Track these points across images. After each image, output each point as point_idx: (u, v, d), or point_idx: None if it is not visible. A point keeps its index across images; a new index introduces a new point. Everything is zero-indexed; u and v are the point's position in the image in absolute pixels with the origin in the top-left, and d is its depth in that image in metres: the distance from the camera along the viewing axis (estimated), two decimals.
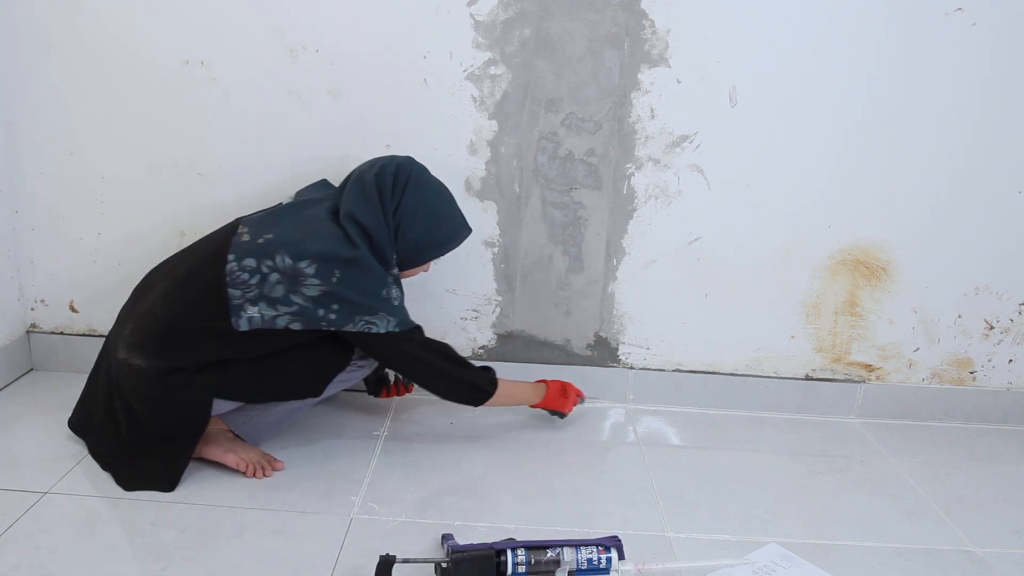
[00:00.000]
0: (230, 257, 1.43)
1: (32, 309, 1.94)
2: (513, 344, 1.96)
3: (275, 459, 1.58)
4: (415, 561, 1.24)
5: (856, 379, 2.01)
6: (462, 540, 1.31)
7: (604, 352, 1.98)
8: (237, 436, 1.57)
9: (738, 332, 1.96)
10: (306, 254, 1.42)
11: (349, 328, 1.45)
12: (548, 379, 1.81)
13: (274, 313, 1.42)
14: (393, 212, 1.52)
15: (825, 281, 1.92)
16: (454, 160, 1.81)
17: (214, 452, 1.54)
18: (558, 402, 1.78)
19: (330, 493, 1.50)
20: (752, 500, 1.59)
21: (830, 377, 2.00)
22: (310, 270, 1.42)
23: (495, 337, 1.96)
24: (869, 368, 2.00)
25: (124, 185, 1.83)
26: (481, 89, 1.77)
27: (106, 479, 1.49)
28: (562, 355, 1.97)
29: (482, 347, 1.97)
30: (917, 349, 1.98)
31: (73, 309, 1.94)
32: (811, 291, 1.93)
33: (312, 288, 1.42)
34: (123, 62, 1.75)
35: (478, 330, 1.95)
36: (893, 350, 1.98)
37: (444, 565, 1.21)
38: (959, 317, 1.95)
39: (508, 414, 1.90)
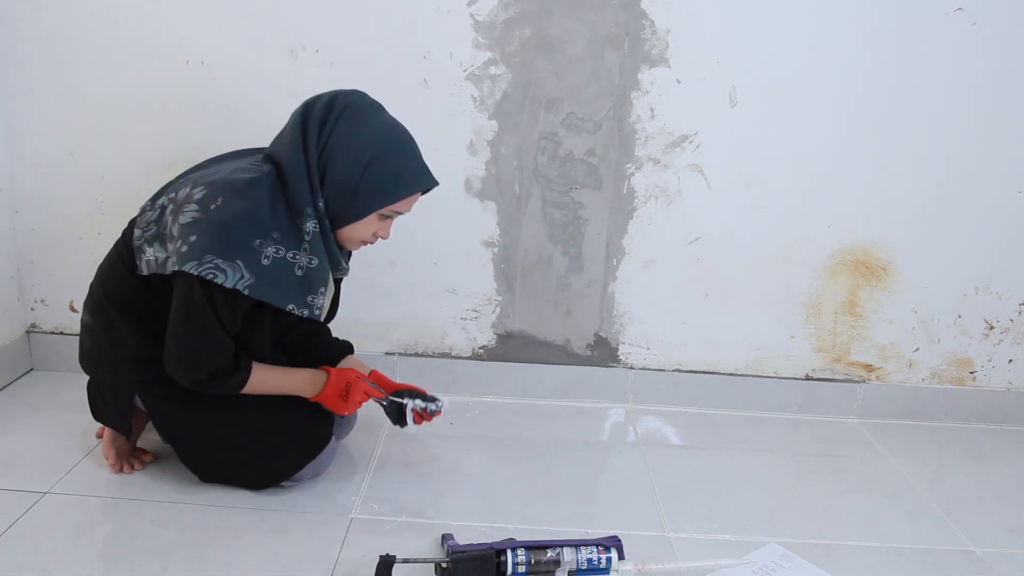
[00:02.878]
0: (148, 199, 1.35)
1: (32, 309, 1.94)
2: (513, 344, 1.96)
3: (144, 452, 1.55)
4: (415, 561, 1.24)
5: (856, 379, 2.01)
6: (462, 540, 1.31)
7: (604, 352, 1.98)
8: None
9: (738, 332, 1.96)
10: (204, 181, 1.26)
11: (191, 268, 1.18)
12: (337, 369, 1.45)
13: (164, 254, 1.26)
14: (320, 149, 1.24)
15: (825, 281, 1.92)
16: (454, 160, 1.81)
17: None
18: (333, 402, 1.43)
19: (330, 493, 1.50)
20: (752, 500, 1.59)
21: (830, 377, 2.00)
22: (198, 195, 1.23)
23: (495, 337, 1.96)
24: (869, 368, 2.00)
25: (124, 185, 1.83)
26: (481, 89, 1.77)
27: (106, 479, 1.49)
28: (562, 355, 1.97)
29: (482, 347, 1.97)
30: (917, 349, 1.98)
31: (73, 309, 1.94)
32: (811, 291, 1.93)
33: (187, 214, 1.22)
34: (123, 62, 1.75)
35: (478, 330, 1.95)
36: (893, 350, 1.98)
37: (444, 565, 1.21)
38: (959, 317, 1.95)
39: (508, 414, 1.90)
